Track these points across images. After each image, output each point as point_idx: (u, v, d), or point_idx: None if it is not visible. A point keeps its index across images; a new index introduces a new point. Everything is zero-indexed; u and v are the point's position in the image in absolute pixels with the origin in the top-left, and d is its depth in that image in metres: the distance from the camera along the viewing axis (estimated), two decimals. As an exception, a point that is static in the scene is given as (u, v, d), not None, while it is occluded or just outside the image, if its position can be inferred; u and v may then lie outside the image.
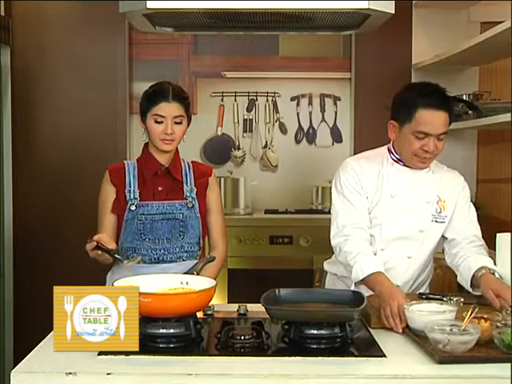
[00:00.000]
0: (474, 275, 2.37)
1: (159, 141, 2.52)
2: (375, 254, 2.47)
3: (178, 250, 2.57)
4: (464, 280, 2.42)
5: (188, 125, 2.59)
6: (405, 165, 2.52)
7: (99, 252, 2.28)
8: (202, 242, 2.65)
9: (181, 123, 2.53)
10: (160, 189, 2.56)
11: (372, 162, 2.56)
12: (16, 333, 3.97)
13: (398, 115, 2.46)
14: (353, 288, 2.37)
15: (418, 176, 2.54)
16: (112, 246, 2.30)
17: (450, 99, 2.44)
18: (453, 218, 2.56)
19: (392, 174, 2.53)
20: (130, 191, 2.53)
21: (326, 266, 2.75)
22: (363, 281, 2.34)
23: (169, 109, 2.49)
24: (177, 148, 2.61)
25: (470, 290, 2.39)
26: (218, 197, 2.70)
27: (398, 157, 2.53)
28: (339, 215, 2.50)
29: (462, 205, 2.58)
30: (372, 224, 2.52)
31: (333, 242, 2.51)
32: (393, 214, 2.51)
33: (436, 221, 2.54)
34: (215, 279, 2.32)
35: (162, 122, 2.50)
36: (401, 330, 2.10)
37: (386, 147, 2.59)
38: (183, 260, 2.58)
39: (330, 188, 2.63)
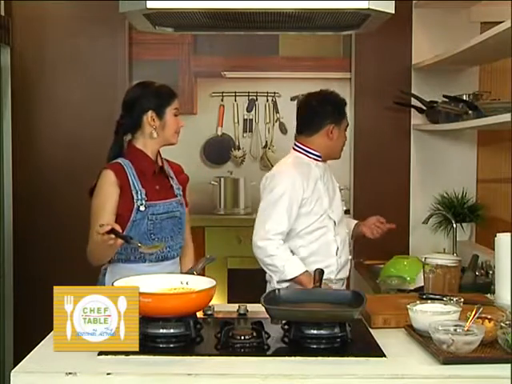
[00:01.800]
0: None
1: (175, 134, 2.61)
2: (334, 241, 2.90)
3: (177, 246, 2.64)
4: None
5: None
6: (321, 160, 2.95)
7: (112, 236, 2.23)
8: None
9: None
10: (157, 187, 2.58)
11: (302, 169, 2.87)
12: (16, 333, 3.97)
13: (335, 118, 2.92)
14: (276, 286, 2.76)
15: (326, 167, 2.99)
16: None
17: None
18: None
19: (320, 172, 2.91)
20: (137, 192, 2.52)
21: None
22: (294, 279, 2.76)
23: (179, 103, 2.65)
24: None
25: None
26: (188, 193, 2.80)
27: (318, 154, 2.93)
28: (270, 221, 2.78)
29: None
30: (323, 218, 2.86)
31: (260, 244, 2.78)
32: (331, 203, 2.92)
33: (343, 200, 3.08)
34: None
35: (177, 116, 2.61)
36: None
37: (295, 153, 2.96)
38: (178, 256, 2.67)
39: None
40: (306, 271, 2.76)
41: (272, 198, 2.82)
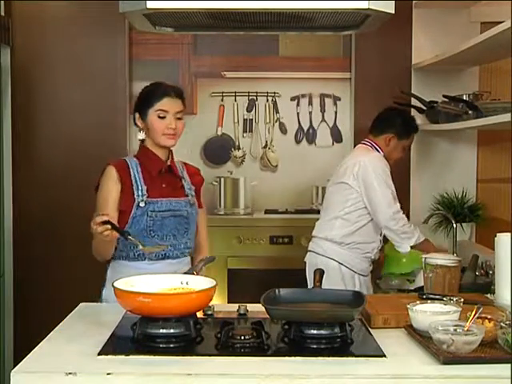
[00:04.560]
0: None
1: (162, 136, 2.55)
2: None
3: (182, 246, 2.61)
4: None
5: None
6: None
7: (108, 226, 2.22)
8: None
9: (181, 119, 2.58)
10: (164, 186, 2.58)
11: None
12: (16, 333, 3.97)
13: (398, 131, 3.49)
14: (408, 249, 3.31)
15: None
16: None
17: None
18: None
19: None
20: (138, 188, 2.53)
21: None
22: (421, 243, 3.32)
23: (172, 104, 2.55)
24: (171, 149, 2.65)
25: None
26: (202, 195, 2.79)
27: (380, 150, 3.49)
28: (394, 198, 3.33)
29: None
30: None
31: (397, 216, 3.30)
32: None
33: None
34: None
35: (164, 118, 2.54)
36: None
37: (363, 145, 3.51)
38: (185, 256, 2.64)
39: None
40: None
41: (382, 180, 3.33)
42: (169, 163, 2.62)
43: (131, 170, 2.56)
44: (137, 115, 2.61)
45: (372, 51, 4.05)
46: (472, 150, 4.06)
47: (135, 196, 2.52)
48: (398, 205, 3.33)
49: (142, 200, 2.52)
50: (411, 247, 3.29)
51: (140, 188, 2.53)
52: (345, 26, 2.35)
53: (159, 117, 2.54)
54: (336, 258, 3.36)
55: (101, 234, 2.24)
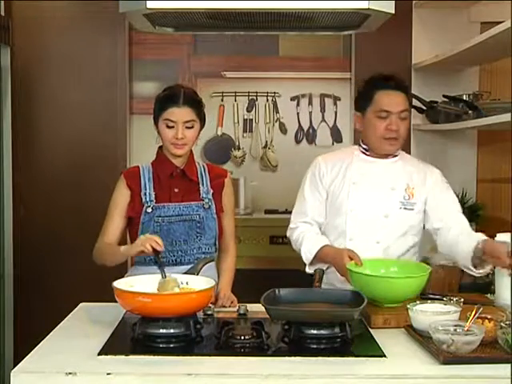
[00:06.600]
0: (473, 253, 2.38)
1: (170, 145, 2.52)
2: (345, 245, 2.56)
3: (195, 251, 2.56)
4: (465, 261, 2.42)
5: (201, 128, 2.59)
6: (372, 155, 2.66)
7: (149, 249, 2.23)
8: (218, 243, 2.65)
9: (192, 127, 2.52)
10: (176, 190, 2.56)
11: (337, 155, 2.75)
12: (16, 333, 3.97)
13: (358, 106, 2.68)
14: (307, 270, 2.60)
15: (384, 165, 2.66)
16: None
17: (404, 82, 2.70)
18: (433, 208, 2.62)
19: (355, 164, 2.66)
20: (145, 194, 2.52)
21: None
22: (315, 259, 2.56)
23: (179, 114, 2.49)
24: (191, 150, 2.61)
25: (474, 270, 2.42)
26: (232, 199, 2.71)
27: (365, 147, 2.67)
28: (294, 210, 2.78)
29: (439, 194, 2.65)
30: (338, 213, 2.63)
31: (287, 234, 2.79)
32: (357, 201, 2.61)
33: (405, 208, 2.61)
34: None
35: (172, 127, 2.50)
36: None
37: (352, 146, 2.86)
38: (196, 260, 2.56)
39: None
40: (325, 245, 2.57)
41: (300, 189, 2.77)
42: (182, 167, 2.58)
43: (141, 177, 2.55)
44: (154, 122, 2.58)
45: (372, 51, 4.04)
46: (472, 150, 4.06)
47: (143, 202, 2.52)
48: (296, 222, 2.76)
49: (149, 206, 2.51)
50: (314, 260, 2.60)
51: (148, 194, 2.52)
52: (345, 26, 2.36)
53: (167, 126, 2.50)
54: None
55: (143, 246, 2.24)
